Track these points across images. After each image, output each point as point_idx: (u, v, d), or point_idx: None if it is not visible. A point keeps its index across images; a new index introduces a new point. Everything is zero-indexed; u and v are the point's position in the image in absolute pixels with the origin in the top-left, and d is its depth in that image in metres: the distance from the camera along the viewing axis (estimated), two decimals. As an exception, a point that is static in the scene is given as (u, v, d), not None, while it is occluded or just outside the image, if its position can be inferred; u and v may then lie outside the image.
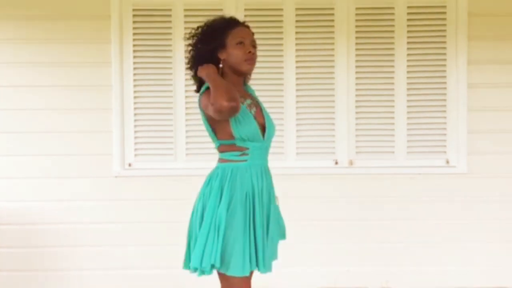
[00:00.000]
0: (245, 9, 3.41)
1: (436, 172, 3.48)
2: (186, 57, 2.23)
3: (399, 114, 3.47)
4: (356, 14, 3.45)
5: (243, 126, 2.08)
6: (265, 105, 2.29)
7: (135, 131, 3.48)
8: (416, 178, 3.49)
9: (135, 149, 3.49)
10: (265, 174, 2.17)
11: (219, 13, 2.43)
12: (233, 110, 1.94)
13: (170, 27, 3.45)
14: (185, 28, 3.39)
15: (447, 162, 3.49)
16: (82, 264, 3.49)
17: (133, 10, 3.45)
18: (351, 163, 3.50)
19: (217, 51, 2.11)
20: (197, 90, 2.22)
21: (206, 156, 3.08)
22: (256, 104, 2.22)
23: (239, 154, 2.11)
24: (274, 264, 2.20)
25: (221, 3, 3.42)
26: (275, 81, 3.46)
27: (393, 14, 3.45)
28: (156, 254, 3.46)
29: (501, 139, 3.47)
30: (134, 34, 3.45)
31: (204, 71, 2.08)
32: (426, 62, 3.46)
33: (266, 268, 2.12)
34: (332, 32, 3.46)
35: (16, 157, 3.46)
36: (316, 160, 3.49)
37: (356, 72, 3.47)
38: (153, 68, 3.47)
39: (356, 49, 3.46)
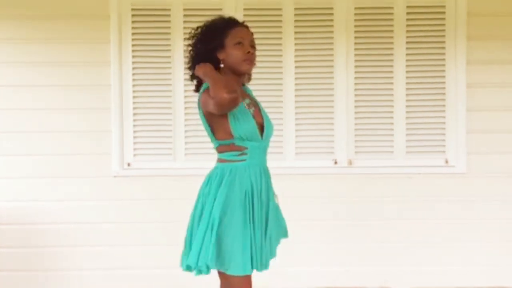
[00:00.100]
0: (244, 9, 3.41)
1: (435, 171, 3.49)
2: (185, 57, 2.24)
3: (398, 113, 3.47)
4: (355, 14, 3.46)
5: (242, 124, 2.08)
6: (264, 105, 2.30)
7: (134, 131, 3.48)
8: (415, 177, 3.49)
9: (134, 149, 3.49)
10: (264, 173, 2.18)
11: (218, 13, 2.43)
12: (234, 102, 1.94)
13: (169, 27, 3.45)
14: (184, 28, 3.40)
15: (446, 161, 3.49)
16: (81, 263, 3.49)
17: (132, 9, 3.45)
18: (350, 162, 3.50)
19: (216, 51, 2.12)
20: (196, 90, 2.22)
21: (205, 156, 3.08)
22: (255, 104, 2.24)
23: (238, 154, 2.12)
24: (274, 263, 2.20)
25: (220, 3, 3.42)
26: (274, 80, 3.46)
27: (392, 14, 3.45)
28: (155, 254, 3.46)
29: (500, 139, 3.47)
30: (133, 34, 3.45)
31: (201, 70, 2.09)
32: (425, 62, 3.46)
33: (263, 266, 2.13)
34: (331, 32, 3.46)
35: (15, 157, 3.46)
36: (315, 160, 3.49)
37: (355, 72, 3.47)
38: (152, 68, 3.47)
39: (355, 49, 3.46)
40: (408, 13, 3.45)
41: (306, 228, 3.43)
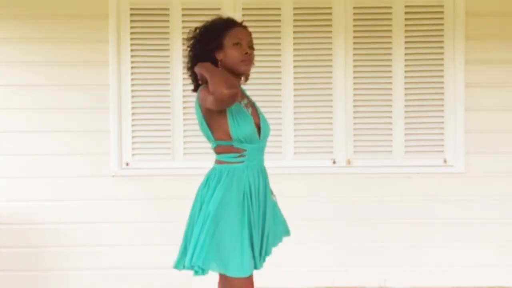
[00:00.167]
0: (243, 8, 3.41)
1: (433, 171, 3.49)
2: (184, 57, 2.24)
3: (397, 113, 3.47)
4: (354, 14, 3.45)
5: (241, 126, 2.09)
6: (262, 104, 2.31)
7: (133, 131, 3.48)
8: (413, 177, 3.50)
9: (133, 149, 3.49)
10: (261, 173, 2.19)
11: (217, 13, 2.44)
12: (233, 97, 1.94)
13: (167, 26, 3.45)
14: (183, 27, 3.39)
15: (445, 161, 3.49)
16: (80, 263, 3.49)
17: (131, 9, 3.44)
18: (349, 162, 3.50)
19: (215, 51, 2.12)
20: (194, 90, 2.22)
21: (204, 156, 3.04)
22: (252, 104, 2.24)
23: (236, 156, 2.12)
24: (273, 263, 2.20)
25: (219, 3, 3.42)
26: (273, 80, 3.46)
27: (390, 13, 3.45)
28: (154, 254, 3.46)
29: (499, 139, 3.48)
30: (132, 33, 3.45)
31: (201, 66, 2.08)
32: (423, 62, 3.46)
33: (260, 265, 2.14)
34: (330, 31, 3.46)
35: (13, 156, 3.46)
36: (314, 160, 3.49)
37: (354, 72, 3.47)
38: (150, 68, 3.47)
39: (354, 49, 3.46)
40: (406, 13, 3.45)
41: (304, 228, 3.42)
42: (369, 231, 3.50)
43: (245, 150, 2.12)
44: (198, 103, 2.14)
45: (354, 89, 3.47)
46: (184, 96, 3.44)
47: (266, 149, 2.26)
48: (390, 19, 3.45)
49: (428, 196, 3.50)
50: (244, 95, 2.24)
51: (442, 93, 3.47)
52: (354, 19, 3.46)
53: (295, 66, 3.46)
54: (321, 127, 3.50)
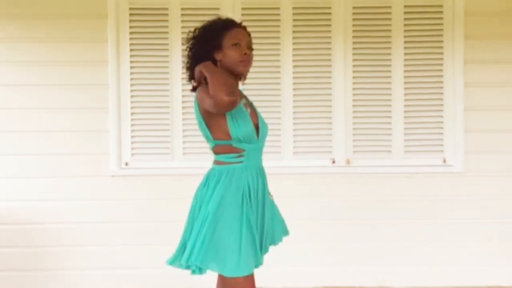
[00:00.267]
0: (242, 8, 3.41)
1: (433, 171, 3.49)
2: (183, 57, 2.24)
3: (396, 113, 3.47)
4: (353, 13, 3.45)
5: (240, 126, 2.09)
6: (262, 104, 2.32)
7: (132, 130, 3.48)
8: (413, 177, 3.50)
9: (132, 148, 3.49)
10: (260, 173, 2.19)
11: (216, 13, 2.44)
12: (232, 105, 1.95)
13: (166, 26, 3.45)
14: (182, 27, 3.39)
15: (444, 161, 3.50)
16: (80, 263, 3.49)
17: (130, 9, 3.44)
18: (348, 162, 3.50)
19: (214, 52, 2.12)
20: (193, 90, 2.22)
21: (203, 155, 3.06)
22: (250, 104, 2.24)
23: (235, 156, 2.12)
24: (273, 263, 2.21)
25: (218, 2, 3.42)
26: (272, 80, 3.46)
27: (390, 13, 3.45)
28: (154, 253, 3.45)
29: (498, 138, 3.48)
30: (131, 33, 3.45)
31: (204, 65, 2.08)
32: (423, 62, 3.46)
33: (258, 263, 2.13)
34: (329, 31, 3.46)
35: (12, 156, 3.46)
36: (313, 159, 3.49)
37: (353, 71, 3.47)
38: (150, 67, 3.47)
39: (353, 48, 3.46)
40: (405, 13, 3.45)
41: (303, 228, 3.43)
42: (368, 231, 3.50)
43: (244, 150, 2.12)
44: (197, 103, 2.14)
45: (354, 89, 3.47)
46: (183, 96, 3.44)
47: (265, 149, 2.26)
48: (389, 19, 3.45)
49: (427, 195, 3.50)
50: (242, 95, 2.24)
51: (442, 93, 3.47)
52: (354, 19, 3.46)
53: (294, 66, 3.46)
54: (321, 127, 3.50)
